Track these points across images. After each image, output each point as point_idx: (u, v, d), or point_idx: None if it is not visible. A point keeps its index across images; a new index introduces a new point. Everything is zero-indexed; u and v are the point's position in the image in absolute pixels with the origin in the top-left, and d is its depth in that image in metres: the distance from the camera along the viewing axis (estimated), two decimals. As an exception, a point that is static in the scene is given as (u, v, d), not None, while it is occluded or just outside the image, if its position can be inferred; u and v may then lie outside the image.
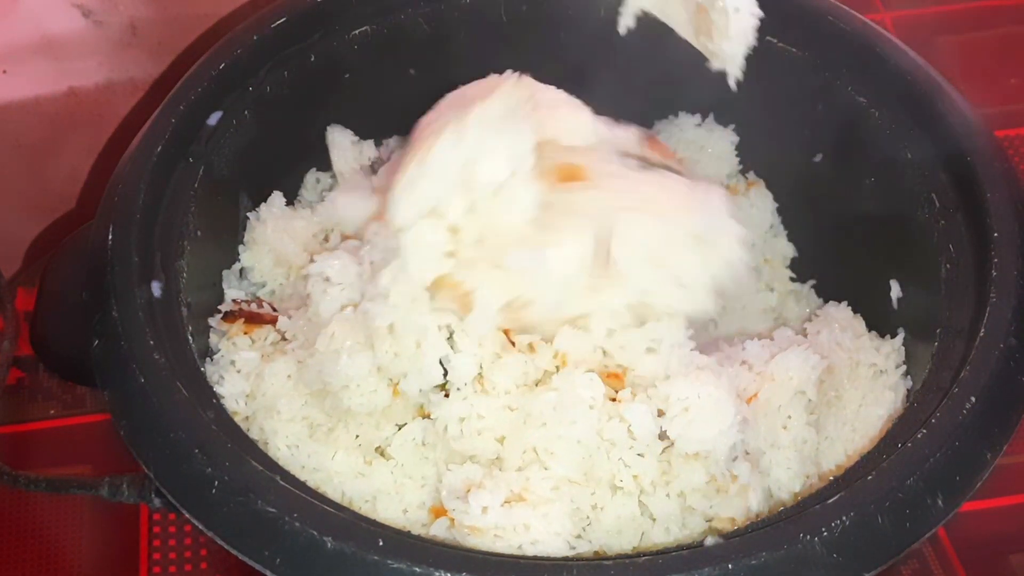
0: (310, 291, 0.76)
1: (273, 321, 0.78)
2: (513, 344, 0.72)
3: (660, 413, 0.69)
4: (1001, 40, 1.15)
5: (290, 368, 0.75)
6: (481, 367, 0.71)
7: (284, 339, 0.78)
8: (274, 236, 0.82)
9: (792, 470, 0.72)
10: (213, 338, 0.78)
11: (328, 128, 0.88)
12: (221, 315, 0.79)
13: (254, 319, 0.79)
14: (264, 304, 0.81)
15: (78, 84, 1.00)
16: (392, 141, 0.91)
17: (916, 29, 1.15)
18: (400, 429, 0.73)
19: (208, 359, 0.77)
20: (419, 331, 0.71)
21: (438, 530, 0.68)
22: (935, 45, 1.13)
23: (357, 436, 0.73)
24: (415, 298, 0.71)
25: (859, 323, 0.81)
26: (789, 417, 0.73)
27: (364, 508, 0.72)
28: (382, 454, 0.74)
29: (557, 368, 0.71)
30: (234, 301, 0.80)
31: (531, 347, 0.72)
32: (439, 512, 0.69)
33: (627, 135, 0.79)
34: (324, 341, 0.72)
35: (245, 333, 0.78)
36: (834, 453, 0.75)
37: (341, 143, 0.88)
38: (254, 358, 0.76)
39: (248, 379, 0.75)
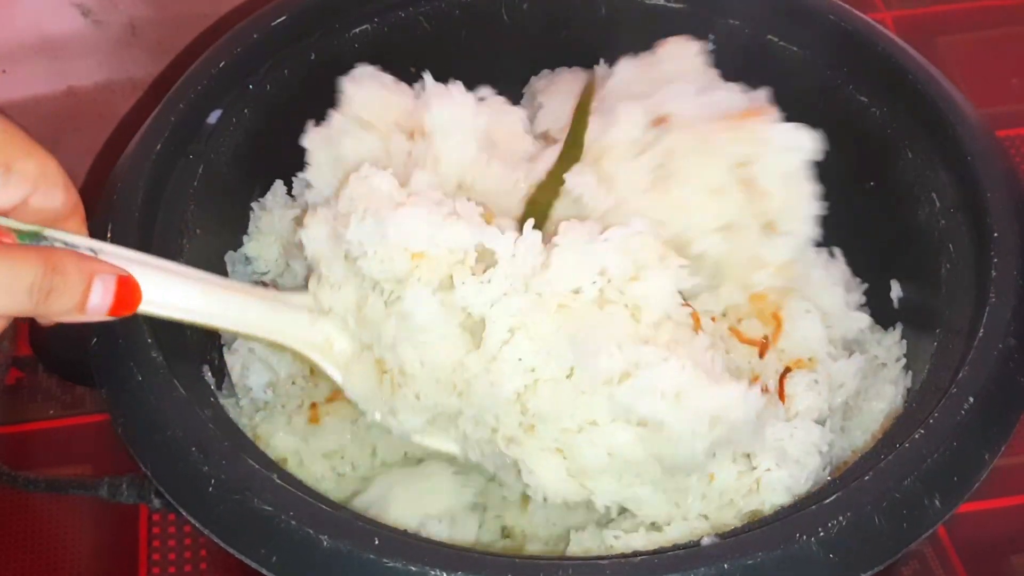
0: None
1: None
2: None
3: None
4: (1001, 40, 1.15)
5: None
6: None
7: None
8: (281, 224, 0.82)
9: (792, 469, 0.72)
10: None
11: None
12: None
13: None
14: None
15: (77, 84, 1.00)
16: (393, 141, 0.91)
17: (917, 28, 1.15)
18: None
19: (225, 348, 0.77)
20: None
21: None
22: (936, 45, 1.13)
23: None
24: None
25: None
26: (789, 415, 0.73)
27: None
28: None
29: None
30: None
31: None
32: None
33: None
34: None
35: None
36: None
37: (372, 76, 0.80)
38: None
39: (267, 367, 0.75)
